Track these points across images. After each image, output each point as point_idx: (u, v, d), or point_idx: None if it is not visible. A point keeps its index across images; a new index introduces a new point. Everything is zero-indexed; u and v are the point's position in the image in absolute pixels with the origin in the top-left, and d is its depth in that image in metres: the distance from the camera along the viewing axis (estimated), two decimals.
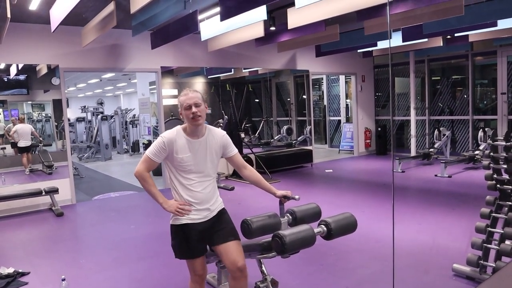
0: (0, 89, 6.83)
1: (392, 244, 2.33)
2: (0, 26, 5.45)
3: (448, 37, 7.60)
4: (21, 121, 7.29)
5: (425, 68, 10.07)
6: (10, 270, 3.81)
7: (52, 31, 5.09)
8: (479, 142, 8.19)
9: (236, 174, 8.30)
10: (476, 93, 9.59)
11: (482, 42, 8.27)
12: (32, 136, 7.35)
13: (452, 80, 10.09)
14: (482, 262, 3.17)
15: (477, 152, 8.13)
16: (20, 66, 6.59)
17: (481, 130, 8.15)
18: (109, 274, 3.82)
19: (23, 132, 7.26)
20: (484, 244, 3.17)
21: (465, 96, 9.52)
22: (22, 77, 6.93)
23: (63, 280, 3.22)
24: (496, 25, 6.12)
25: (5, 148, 7.29)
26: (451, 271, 3.37)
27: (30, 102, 7.76)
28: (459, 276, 3.31)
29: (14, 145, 7.23)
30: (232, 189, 7.14)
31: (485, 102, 9.68)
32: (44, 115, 7.99)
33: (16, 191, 6.11)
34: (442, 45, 7.59)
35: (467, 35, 7.25)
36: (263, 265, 2.71)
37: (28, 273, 3.85)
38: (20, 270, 3.86)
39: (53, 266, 4.09)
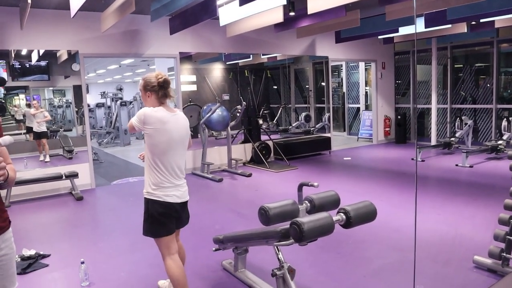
0: (22, 75, 6.91)
1: (414, 234, 2.28)
2: (21, 12, 5.51)
3: (473, 23, 7.36)
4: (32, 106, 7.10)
5: (447, 55, 9.81)
6: (32, 252, 3.89)
7: (71, 16, 5.09)
8: (503, 132, 7.98)
9: (253, 160, 8.29)
10: (500, 81, 9.31)
11: (509, 28, 7.99)
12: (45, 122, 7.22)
13: (476, 68, 9.81)
14: (504, 254, 3.09)
15: (500, 142, 7.93)
16: (41, 52, 6.66)
17: (505, 119, 7.93)
18: (127, 258, 3.87)
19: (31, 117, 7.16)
20: (508, 237, 3.09)
21: (489, 84, 9.26)
22: (43, 63, 6.99)
23: (82, 263, 3.28)
24: None
25: (26, 132, 7.39)
26: (472, 263, 3.30)
27: (51, 88, 7.83)
28: (480, 269, 3.25)
29: (29, 129, 7.23)
30: (250, 175, 7.17)
31: (509, 91, 9.40)
32: (64, 101, 8.07)
33: (38, 175, 6.23)
34: (466, 31, 7.36)
35: (493, 21, 7.01)
36: (280, 253, 2.69)
37: (49, 255, 3.93)
38: (41, 252, 3.94)
39: (72, 249, 4.16)
